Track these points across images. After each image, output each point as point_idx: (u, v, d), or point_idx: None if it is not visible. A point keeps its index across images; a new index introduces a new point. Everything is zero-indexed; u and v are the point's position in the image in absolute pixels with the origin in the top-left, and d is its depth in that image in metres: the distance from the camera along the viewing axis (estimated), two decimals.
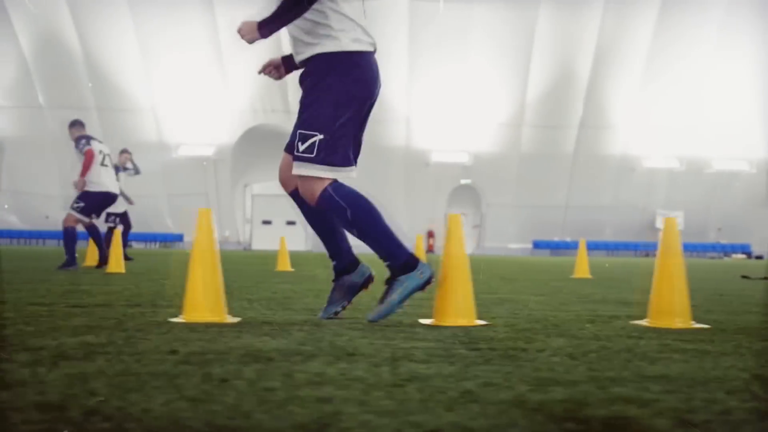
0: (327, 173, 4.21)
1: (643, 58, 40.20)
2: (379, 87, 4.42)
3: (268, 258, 19.55)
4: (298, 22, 4.26)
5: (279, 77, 4.68)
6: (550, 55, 39.53)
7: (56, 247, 34.82)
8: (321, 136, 4.18)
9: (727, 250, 44.35)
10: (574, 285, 8.87)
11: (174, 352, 2.87)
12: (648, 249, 42.91)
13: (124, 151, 16.97)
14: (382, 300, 4.23)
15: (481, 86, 39.63)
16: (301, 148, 4.20)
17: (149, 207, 35.02)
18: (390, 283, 4.22)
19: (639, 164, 43.12)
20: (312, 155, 4.18)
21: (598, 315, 4.78)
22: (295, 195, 4.52)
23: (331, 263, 4.51)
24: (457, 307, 4.14)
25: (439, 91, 39.45)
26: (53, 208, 41.80)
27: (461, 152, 41.82)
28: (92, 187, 11.68)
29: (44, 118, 40.62)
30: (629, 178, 43.05)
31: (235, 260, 17.87)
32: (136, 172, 16.94)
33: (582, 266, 11.50)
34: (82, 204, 11.60)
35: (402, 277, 4.20)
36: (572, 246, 42.68)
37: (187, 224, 38.19)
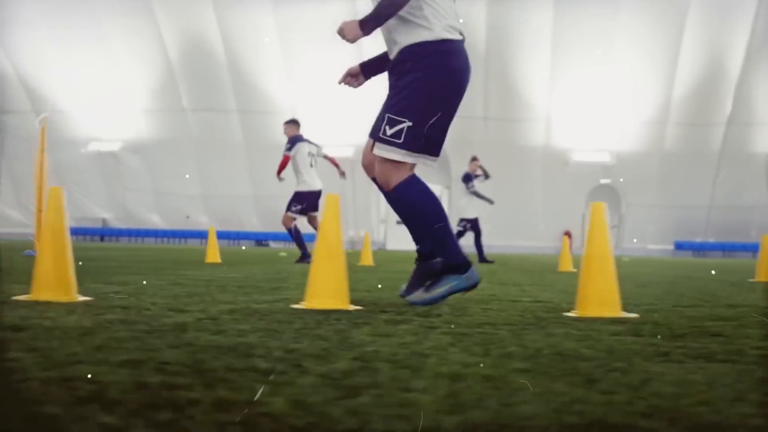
0: (408, 158, 4.35)
1: None
2: (469, 77, 4.47)
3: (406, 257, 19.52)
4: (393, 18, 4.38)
5: (358, 85, 4.83)
6: (699, 51, 38.17)
7: (200, 246, 35.72)
8: (410, 123, 4.30)
9: None
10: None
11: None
12: None
13: (474, 159, 17.74)
14: (427, 287, 4.48)
15: (626, 84, 38.63)
16: (389, 132, 4.32)
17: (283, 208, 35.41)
18: (438, 276, 4.46)
19: None
20: (399, 141, 4.31)
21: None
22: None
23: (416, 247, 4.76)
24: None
25: (581, 89, 38.59)
26: (194, 208, 42.90)
27: (602, 151, 40.87)
28: (303, 188, 12.87)
29: (186, 120, 41.64)
30: None
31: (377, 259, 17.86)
32: (486, 177, 17.72)
33: None
34: (299, 206, 13.03)
35: (452, 277, 4.41)
36: (717, 247, 41.29)
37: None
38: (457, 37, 4.42)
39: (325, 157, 13.68)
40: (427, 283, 4.53)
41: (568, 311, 4.34)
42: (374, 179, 4.63)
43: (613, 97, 38.94)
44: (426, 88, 4.32)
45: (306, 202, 13.07)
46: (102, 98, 41.01)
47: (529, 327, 3.54)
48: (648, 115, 39.74)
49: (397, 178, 4.37)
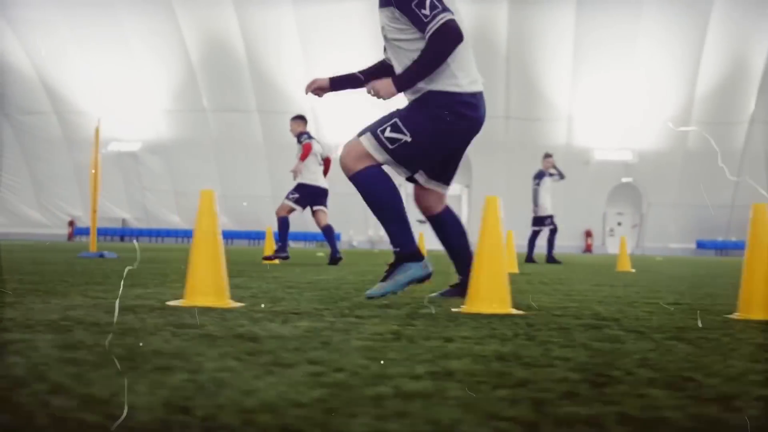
0: (385, 160, 4.53)
1: None
2: (482, 123, 4.65)
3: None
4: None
5: (323, 95, 5.06)
6: (722, 50, 37.99)
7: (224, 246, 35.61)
8: (409, 140, 4.45)
9: None
10: None
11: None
12: None
13: (548, 156, 17.16)
14: (384, 278, 4.52)
15: (648, 83, 38.50)
16: (387, 134, 4.48)
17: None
18: (394, 266, 4.51)
19: None
20: (390, 147, 4.47)
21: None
22: (431, 217, 5.03)
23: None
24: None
25: (603, 88, 38.49)
26: None
27: (624, 150, 40.77)
28: (308, 180, 12.56)
29: (207, 120, 41.64)
30: None
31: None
32: (561, 177, 17.16)
33: None
34: (297, 195, 12.49)
35: (410, 264, 4.48)
36: (740, 246, 41.10)
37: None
38: (480, 88, 4.61)
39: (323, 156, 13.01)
40: (384, 275, 4.57)
41: (724, 314, 4.29)
42: (429, 218, 5.04)
43: (635, 96, 38.85)
44: (441, 132, 4.49)
45: (306, 194, 12.58)
46: (122, 99, 41.03)
47: (737, 331, 3.47)
48: (670, 114, 39.56)
49: (360, 165, 4.52)
